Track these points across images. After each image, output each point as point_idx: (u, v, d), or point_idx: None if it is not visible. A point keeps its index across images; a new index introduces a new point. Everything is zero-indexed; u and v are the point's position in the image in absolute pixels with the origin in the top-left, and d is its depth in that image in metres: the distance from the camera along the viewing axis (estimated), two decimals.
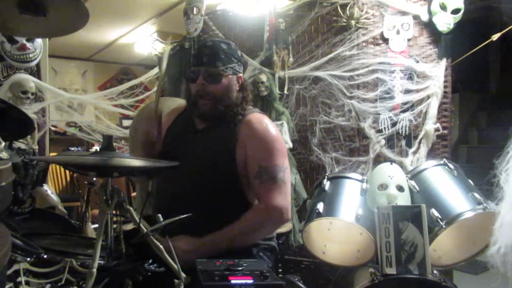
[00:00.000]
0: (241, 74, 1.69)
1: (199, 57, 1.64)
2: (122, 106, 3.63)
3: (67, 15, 1.44)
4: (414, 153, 2.69)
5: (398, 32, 2.75)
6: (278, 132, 1.68)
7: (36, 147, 2.79)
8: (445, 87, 2.70)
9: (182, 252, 1.43)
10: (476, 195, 1.85)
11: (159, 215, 1.22)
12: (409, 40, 2.75)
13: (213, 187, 1.59)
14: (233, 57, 1.65)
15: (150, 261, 1.21)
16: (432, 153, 2.67)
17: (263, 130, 1.62)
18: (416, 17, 2.75)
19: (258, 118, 1.66)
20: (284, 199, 1.58)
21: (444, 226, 1.78)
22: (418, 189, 1.96)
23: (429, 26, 2.72)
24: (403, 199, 1.92)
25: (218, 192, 1.59)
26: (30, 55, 3.04)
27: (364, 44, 2.83)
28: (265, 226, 1.63)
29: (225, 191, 1.60)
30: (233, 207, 1.58)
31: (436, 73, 2.68)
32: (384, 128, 2.74)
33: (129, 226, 1.90)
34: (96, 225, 1.36)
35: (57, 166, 4.66)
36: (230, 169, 1.59)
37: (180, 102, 2.12)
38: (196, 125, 1.71)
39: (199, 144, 1.66)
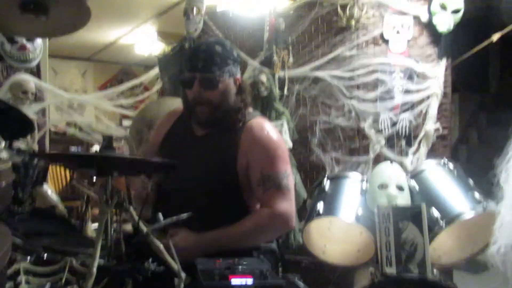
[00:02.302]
0: (238, 76, 1.61)
1: (193, 62, 1.55)
2: (122, 106, 3.63)
3: (69, 14, 1.44)
4: (414, 153, 2.69)
5: (398, 32, 2.75)
6: (280, 137, 1.64)
7: (36, 147, 2.79)
8: (445, 87, 2.70)
9: (180, 249, 1.43)
10: (476, 195, 1.85)
11: (160, 214, 1.22)
12: (409, 40, 2.75)
13: (214, 196, 1.56)
14: (229, 59, 1.57)
15: (150, 260, 1.21)
16: (432, 153, 2.67)
17: (265, 137, 1.57)
18: (416, 17, 2.75)
19: (260, 125, 1.60)
20: (290, 205, 1.54)
21: (444, 226, 1.78)
22: (418, 189, 1.97)
23: (429, 26, 2.72)
24: (403, 199, 1.92)
25: (218, 200, 1.56)
26: (30, 55, 3.04)
27: (364, 44, 2.83)
28: (269, 231, 1.59)
29: (226, 200, 1.57)
30: (234, 215, 1.55)
31: (436, 73, 2.68)
32: (384, 128, 2.74)
33: (129, 226, 1.89)
34: (96, 225, 1.36)
35: (57, 166, 4.66)
36: (231, 177, 1.56)
37: (180, 102, 2.09)
38: (195, 132, 1.66)
39: (199, 152, 1.61)
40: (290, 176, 1.57)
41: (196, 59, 1.55)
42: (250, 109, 1.68)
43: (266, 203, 1.54)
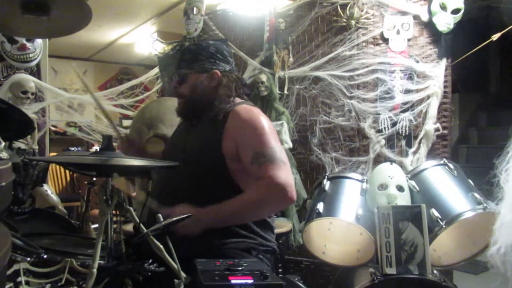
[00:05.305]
0: (216, 70, 1.70)
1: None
2: (122, 106, 3.64)
3: (70, 15, 1.44)
4: (414, 153, 2.69)
5: (398, 32, 2.75)
6: (267, 118, 1.66)
7: (36, 147, 2.80)
8: (445, 87, 2.69)
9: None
10: (476, 195, 1.84)
11: (159, 215, 1.22)
12: (409, 40, 2.75)
13: (202, 182, 1.58)
14: (201, 55, 1.70)
15: (150, 261, 1.21)
16: (432, 153, 2.67)
17: (252, 118, 1.60)
18: (416, 17, 2.75)
19: (245, 108, 1.65)
20: (287, 176, 1.52)
21: (444, 226, 1.78)
22: (418, 189, 1.96)
23: (429, 26, 2.72)
24: (403, 199, 1.92)
25: (208, 187, 1.58)
26: (30, 55, 3.05)
27: (364, 44, 2.83)
28: (268, 203, 1.56)
29: (216, 185, 1.59)
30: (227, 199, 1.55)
31: (436, 73, 2.68)
32: (384, 128, 2.74)
33: (129, 226, 1.90)
34: (96, 225, 1.37)
35: (57, 166, 4.67)
36: (217, 162, 1.58)
37: None
38: (188, 126, 1.79)
39: (187, 141, 1.72)
40: (283, 151, 1.59)
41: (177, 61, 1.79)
42: (237, 99, 1.73)
43: (262, 177, 1.52)
